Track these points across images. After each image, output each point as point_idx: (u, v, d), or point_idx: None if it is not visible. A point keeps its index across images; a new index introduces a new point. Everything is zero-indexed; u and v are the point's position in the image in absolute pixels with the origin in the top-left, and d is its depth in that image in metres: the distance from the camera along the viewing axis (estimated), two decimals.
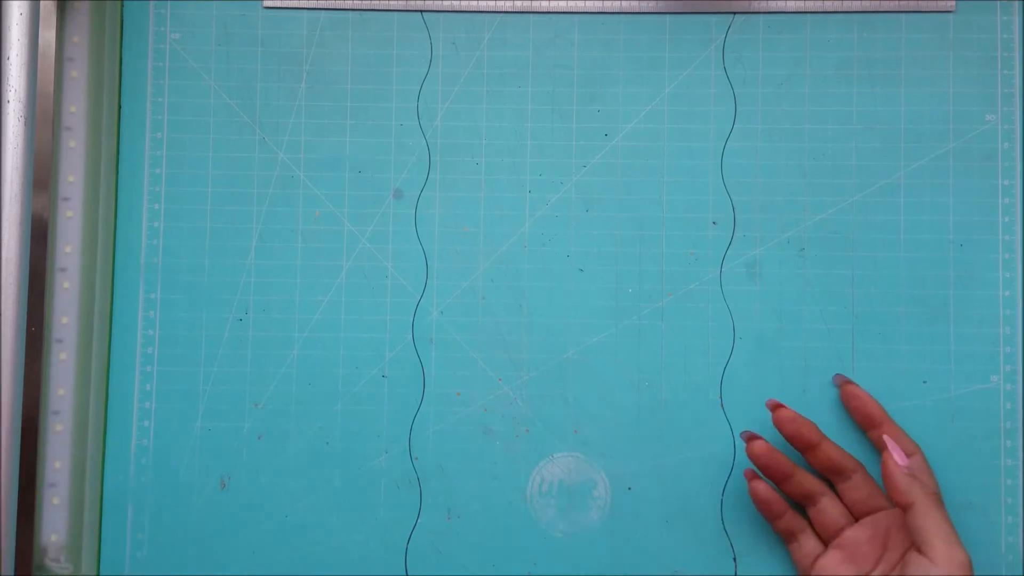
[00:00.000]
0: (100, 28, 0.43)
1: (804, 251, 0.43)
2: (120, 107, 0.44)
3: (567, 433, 0.43)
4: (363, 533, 0.43)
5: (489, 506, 0.42)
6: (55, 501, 0.42)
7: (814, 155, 0.43)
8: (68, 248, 0.42)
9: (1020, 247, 0.42)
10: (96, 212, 0.43)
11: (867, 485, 0.39)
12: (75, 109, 0.43)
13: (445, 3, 0.44)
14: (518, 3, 0.44)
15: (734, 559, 0.42)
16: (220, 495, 0.43)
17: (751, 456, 0.39)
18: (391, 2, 0.44)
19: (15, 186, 0.38)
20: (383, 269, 0.44)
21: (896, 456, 0.37)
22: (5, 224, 0.38)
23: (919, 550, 0.35)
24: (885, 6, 0.43)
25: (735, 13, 0.44)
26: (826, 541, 0.40)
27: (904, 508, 0.36)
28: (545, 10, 0.44)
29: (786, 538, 0.40)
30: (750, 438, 0.40)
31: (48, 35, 0.41)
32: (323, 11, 0.45)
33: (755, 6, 0.44)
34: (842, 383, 0.41)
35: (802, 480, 0.39)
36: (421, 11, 0.44)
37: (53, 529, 0.42)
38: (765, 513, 0.40)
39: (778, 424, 0.40)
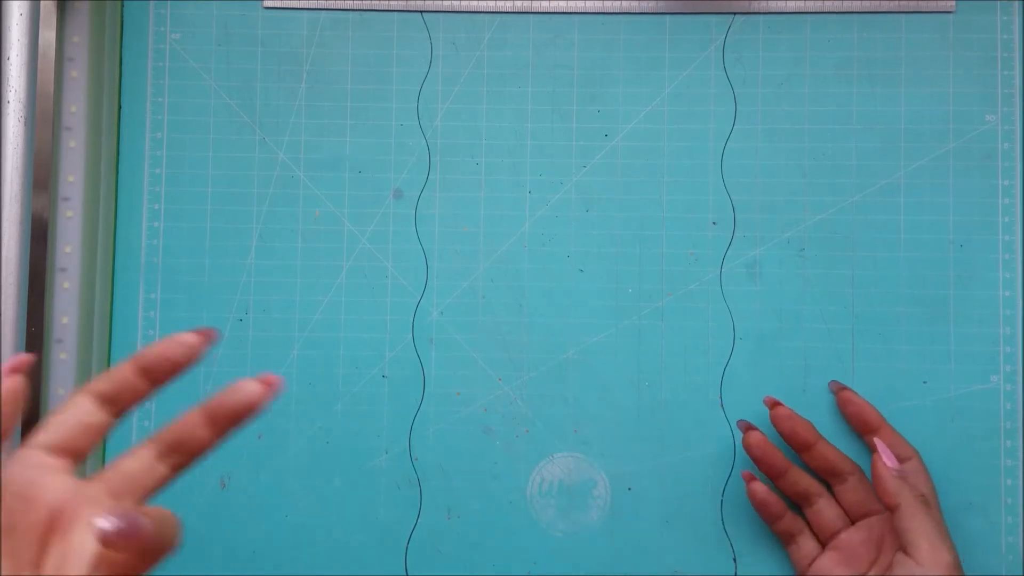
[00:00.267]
0: (100, 28, 0.43)
1: (804, 251, 0.43)
2: (120, 107, 0.44)
3: (567, 433, 0.43)
4: (363, 533, 0.42)
5: (489, 506, 0.42)
6: None
7: (814, 155, 0.43)
8: (68, 248, 0.42)
9: (1020, 247, 0.42)
10: (96, 212, 0.43)
11: (864, 488, 0.39)
12: (75, 109, 0.43)
13: (445, 3, 0.44)
14: (518, 3, 0.44)
15: (734, 559, 0.42)
16: (220, 495, 0.43)
17: (746, 447, 0.39)
18: (391, 2, 0.44)
19: (15, 186, 0.38)
20: (383, 269, 0.44)
21: (885, 458, 0.37)
22: (5, 224, 0.38)
23: (905, 551, 0.36)
24: (885, 6, 0.43)
25: (735, 13, 0.44)
26: (823, 543, 0.40)
27: (891, 510, 0.36)
28: (545, 10, 0.44)
29: (785, 539, 0.40)
30: (747, 428, 0.40)
31: (48, 35, 0.41)
32: (323, 11, 0.45)
33: (755, 6, 0.44)
34: (838, 389, 0.41)
35: (797, 478, 0.39)
36: (421, 11, 0.44)
37: None
38: (764, 515, 0.40)
39: (775, 421, 0.40)
